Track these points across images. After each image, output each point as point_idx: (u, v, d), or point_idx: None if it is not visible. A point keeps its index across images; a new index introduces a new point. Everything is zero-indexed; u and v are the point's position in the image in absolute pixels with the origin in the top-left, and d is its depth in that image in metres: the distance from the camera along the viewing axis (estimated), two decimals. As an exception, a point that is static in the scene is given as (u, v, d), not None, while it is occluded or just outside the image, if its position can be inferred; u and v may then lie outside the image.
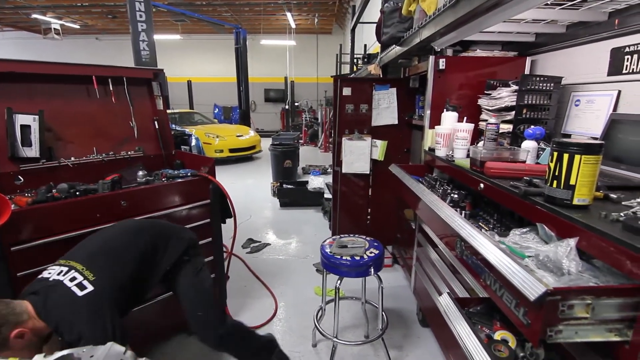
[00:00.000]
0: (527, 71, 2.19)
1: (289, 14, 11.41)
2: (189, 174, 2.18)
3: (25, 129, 1.94)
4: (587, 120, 1.79)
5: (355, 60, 6.50)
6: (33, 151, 1.95)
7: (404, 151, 3.21)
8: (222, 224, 2.35)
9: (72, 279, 1.24)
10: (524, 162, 1.55)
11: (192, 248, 1.65)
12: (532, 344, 0.98)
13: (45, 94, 2.10)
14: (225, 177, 6.33)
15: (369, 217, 3.38)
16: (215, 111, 14.04)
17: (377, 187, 3.30)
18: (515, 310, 0.93)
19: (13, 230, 1.51)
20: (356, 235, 2.15)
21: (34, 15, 11.78)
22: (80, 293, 1.21)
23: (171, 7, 9.38)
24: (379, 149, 3.11)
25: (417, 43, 2.12)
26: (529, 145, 1.62)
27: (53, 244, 1.62)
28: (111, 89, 2.31)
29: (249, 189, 6.12)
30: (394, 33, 2.41)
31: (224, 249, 2.54)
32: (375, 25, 3.52)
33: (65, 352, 0.79)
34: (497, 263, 0.97)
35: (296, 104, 14.22)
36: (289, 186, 5.33)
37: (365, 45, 7.18)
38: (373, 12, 6.13)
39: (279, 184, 5.44)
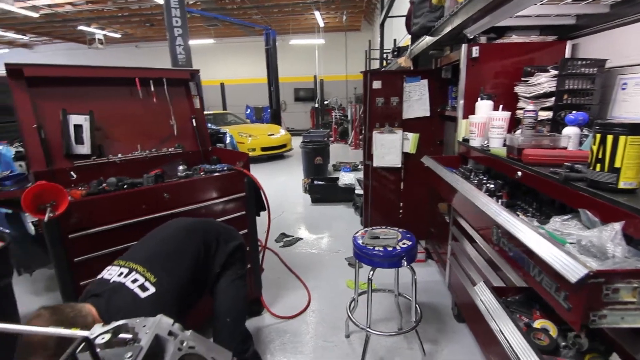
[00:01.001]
0: (567, 56, 2.09)
1: (317, 13, 11.47)
2: (225, 168, 2.27)
3: (78, 128, 2.10)
4: (636, 104, 1.68)
5: (384, 56, 6.43)
6: (85, 149, 2.11)
7: (437, 143, 3.15)
8: (257, 217, 2.43)
9: (134, 281, 1.24)
10: (565, 148, 1.49)
11: (239, 251, 1.64)
12: (574, 330, 0.95)
13: (94, 95, 2.26)
14: (258, 175, 6.48)
15: (401, 211, 3.35)
16: (247, 112, 14.39)
17: (409, 180, 3.26)
18: (556, 295, 0.90)
19: (70, 220, 1.65)
20: (388, 227, 2.15)
21: (80, 27, 12.64)
22: (142, 295, 1.21)
23: (204, 12, 9.72)
24: (411, 141, 3.07)
25: (449, 31, 2.08)
26: (570, 131, 1.55)
27: (105, 232, 1.75)
28: (152, 89, 2.45)
29: (280, 186, 6.23)
30: (425, 23, 2.38)
31: (258, 243, 2.62)
32: (404, 18, 3.48)
33: (121, 322, 0.86)
34: (536, 247, 0.95)
35: (325, 102, 14.26)
36: (320, 182, 5.37)
37: (395, 40, 7.08)
38: (402, 5, 6.03)
39: (310, 180, 5.50)
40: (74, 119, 2.09)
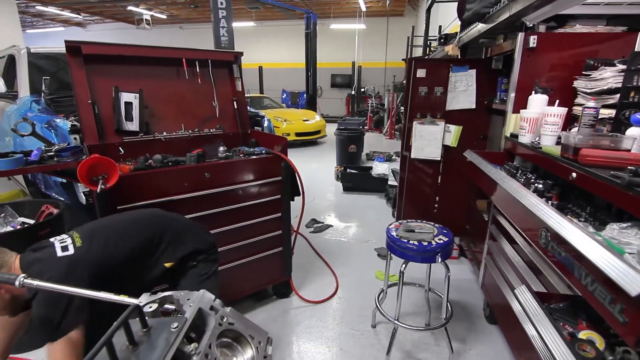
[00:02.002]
0: (638, 49, 1.90)
1: (360, -3, 11.18)
2: (263, 152, 2.30)
3: (128, 105, 2.19)
4: None
5: (428, 43, 6.19)
6: (134, 125, 2.21)
7: (480, 138, 3.01)
8: (291, 201, 2.46)
9: (62, 241, 1.28)
10: (629, 150, 1.37)
11: (201, 253, 1.55)
12: (626, 344, 0.89)
13: (143, 74, 2.34)
14: (292, 159, 6.56)
15: (436, 205, 3.27)
16: (284, 96, 14.44)
17: (448, 174, 3.16)
18: (610, 307, 0.85)
19: (118, 193, 1.74)
20: (424, 221, 2.10)
21: (130, 7, 13.13)
22: (60, 253, 1.24)
23: (247, -5, 9.76)
24: (453, 134, 2.96)
25: (506, 19, 1.95)
26: (635, 132, 1.43)
27: (149, 206, 1.84)
28: (198, 70, 2.51)
29: (313, 172, 6.25)
30: (479, 9, 2.25)
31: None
32: (453, 3, 3.31)
33: (167, 293, 0.91)
34: (591, 254, 0.89)
35: (362, 89, 14.03)
36: (352, 171, 5.34)
37: (440, 27, 6.80)
38: (450, -10, 5.75)
39: (342, 168, 5.48)
40: (125, 97, 2.18)
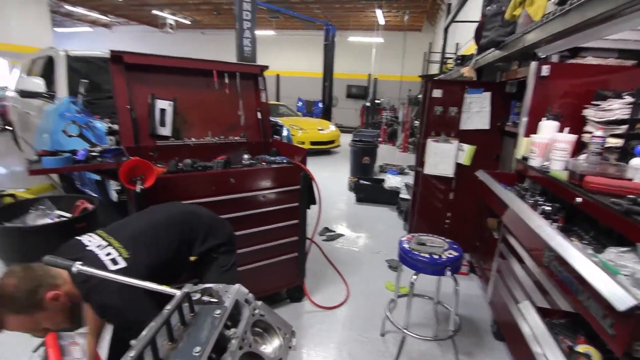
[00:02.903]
0: (647, 82, 1.99)
1: (378, 11, 11.40)
2: (284, 161, 2.44)
3: (162, 111, 2.36)
4: None
5: (444, 60, 6.31)
6: (166, 130, 2.37)
7: (493, 158, 3.11)
8: (307, 209, 2.58)
9: (108, 254, 1.28)
10: (631, 180, 1.46)
11: (223, 246, 1.60)
12: (617, 357, 0.98)
13: (177, 83, 2.50)
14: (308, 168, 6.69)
15: (447, 221, 3.36)
16: (299, 104, 14.70)
17: (460, 192, 3.25)
18: (602, 322, 0.94)
19: (153, 193, 1.89)
20: (435, 236, 2.20)
21: (154, 11, 13.61)
22: (112, 267, 1.24)
23: (269, 5, 10.07)
24: (466, 153, 3.06)
25: (520, 48, 2.07)
26: (638, 162, 1.52)
27: (179, 207, 1.98)
28: (226, 81, 2.67)
29: (326, 181, 6.36)
30: (494, 37, 2.37)
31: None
32: (471, 23, 3.44)
33: (207, 285, 1.03)
34: (586, 273, 0.99)
35: (377, 101, 14.19)
36: (365, 182, 5.45)
37: (457, 44, 6.92)
38: (469, 10, 5.88)
39: (356, 179, 5.59)
40: (160, 104, 2.35)
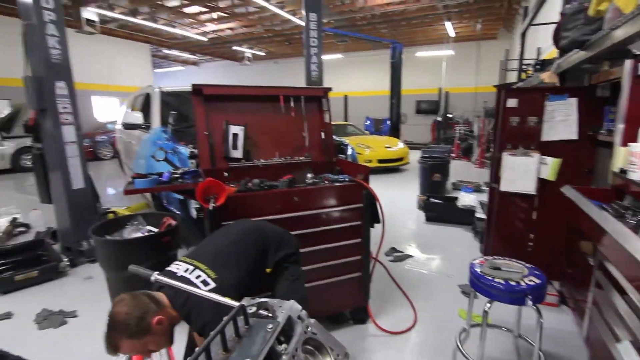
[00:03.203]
0: None
1: (448, 24, 11.07)
2: (346, 179, 2.45)
3: (235, 136, 2.57)
4: None
5: (523, 67, 5.83)
6: (238, 153, 2.57)
7: (585, 172, 2.72)
8: (371, 228, 2.53)
9: (198, 277, 1.38)
10: None
11: (292, 255, 1.68)
12: None
13: (247, 109, 2.71)
14: (372, 187, 6.63)
15: (530, 244, 3.00)
16: (367, 123, 14.74)
17: (545, 210, 2.90)
18: None
19: (225, 211, 2.04)
20: (512, 260, 1.99)
21: (234, 47, 15.07)
22: (204, 288, 1.34)
23: (338, 31, 10.46)
24: (550, 167, 2.74)
25: (609, 46, 1.82)
26: None
27: (247, 224, 2.10)
28: (292, 105, 2.81)
29: (394, 199, 6.21)
30: (577, 37, 2.12)
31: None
32: (552, 25, 3.13)
33: (262, 299, 1.07)
34: None
35: (449, 115, 13.57)
36: (436, 200, 5.19)
37: (538, 49, 6.34)
38: (549, 12, 5.38)
39: (426, 197, 5.35)
40: (233, 129, 2.56)
